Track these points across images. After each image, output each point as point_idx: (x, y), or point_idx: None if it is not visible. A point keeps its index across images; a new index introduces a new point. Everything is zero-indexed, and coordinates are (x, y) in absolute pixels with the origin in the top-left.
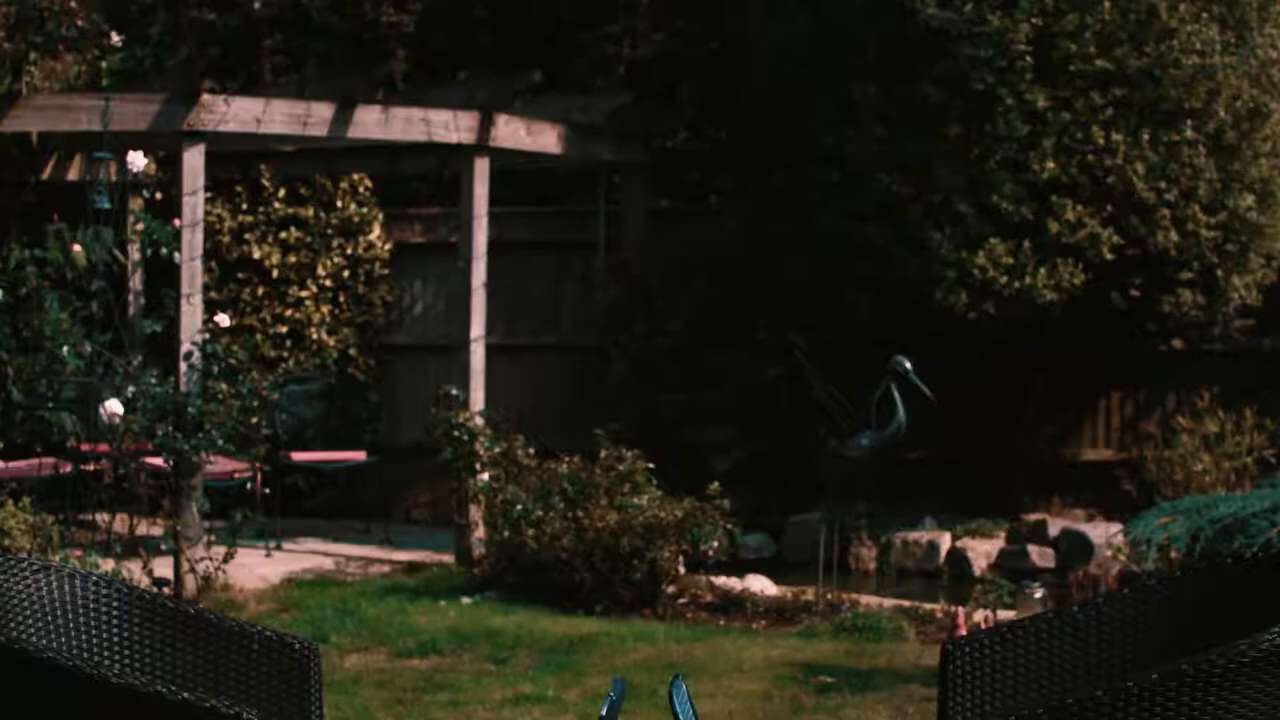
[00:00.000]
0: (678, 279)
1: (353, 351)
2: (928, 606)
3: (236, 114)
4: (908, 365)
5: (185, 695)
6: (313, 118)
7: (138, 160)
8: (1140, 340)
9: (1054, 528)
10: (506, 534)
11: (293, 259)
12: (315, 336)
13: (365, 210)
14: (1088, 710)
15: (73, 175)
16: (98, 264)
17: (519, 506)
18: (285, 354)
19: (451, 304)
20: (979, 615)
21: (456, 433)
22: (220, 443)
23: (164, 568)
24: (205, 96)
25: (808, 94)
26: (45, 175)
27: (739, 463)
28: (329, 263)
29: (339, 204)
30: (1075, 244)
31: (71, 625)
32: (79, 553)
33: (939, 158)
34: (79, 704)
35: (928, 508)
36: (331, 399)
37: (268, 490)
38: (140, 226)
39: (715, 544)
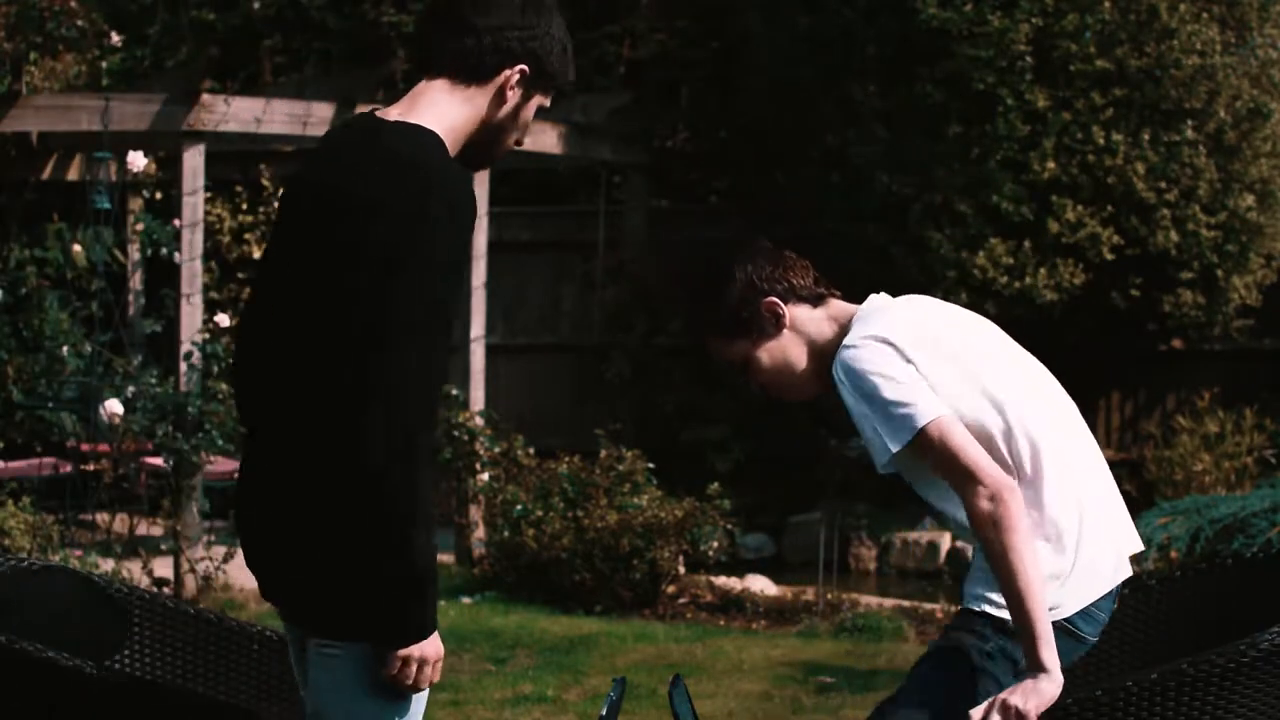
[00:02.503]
0: None
1: None
2: (928, 606)
3: (236, 114)
4: None
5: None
6: (313, 118)
7: (138, 160)
8: (1140, 340)
9: None
10: (506, 534)
11: None
12: None
13: None
14: (1087, 710)
15: (73, 175)
16: (98, 264)
17: (519, 506)
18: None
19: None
20: None
21: (456, 433)
22: (220, 443)
23: (164, 568)
24: (205, 96)
25: (808, 94)
26: (45, 175)
27: (739, 463)
28: None
29: None
30: (1075, 244)
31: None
32: (79, 553)
33: (939, 158)
34: (79, 704)
35: (928, 508)
36: None
37: None
38: (140, 226)
39: (715, 544)
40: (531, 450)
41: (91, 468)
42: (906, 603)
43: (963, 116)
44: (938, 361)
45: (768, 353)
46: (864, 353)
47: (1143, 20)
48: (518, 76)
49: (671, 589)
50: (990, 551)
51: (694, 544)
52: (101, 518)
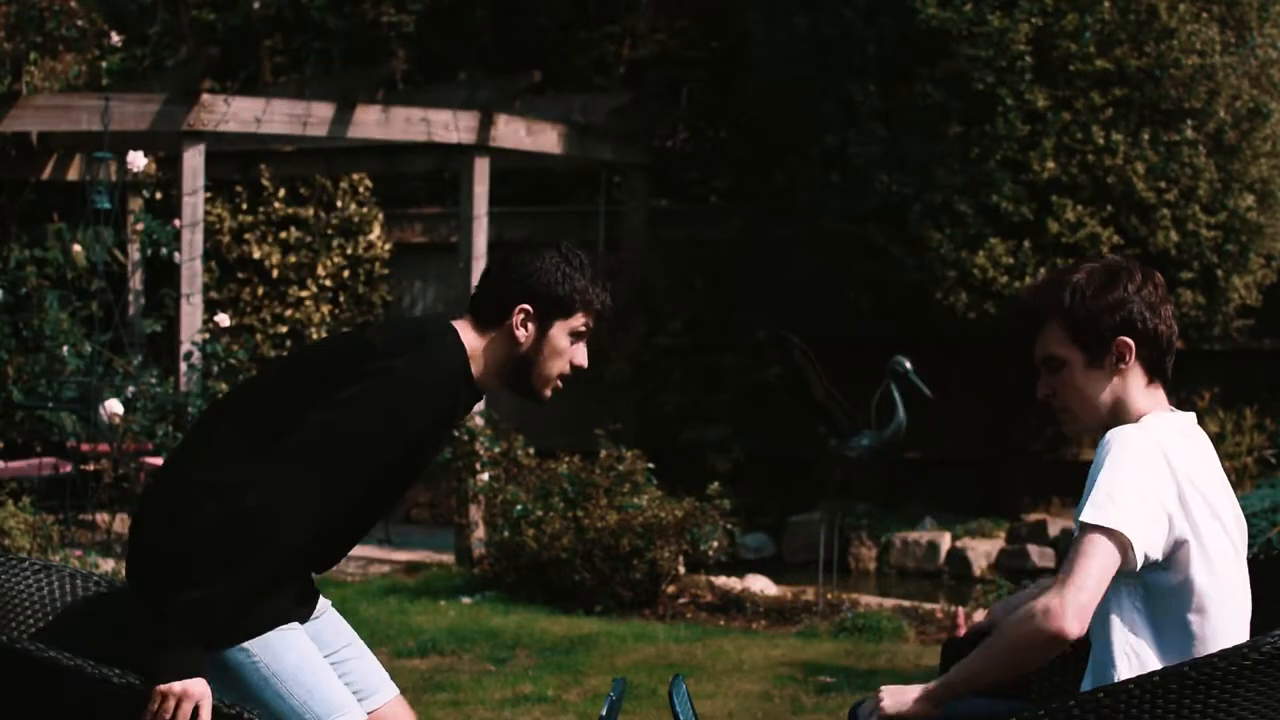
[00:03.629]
0: (678, 279)
1: None
2: (928, 606)
3: (236, 114)
4: (907, 365)
5: None
6: (313, 118)
7: (138, 160)
8: None
9: (1054, 528)
10: (506, 534)
11: (293, 259)
12: (315, 336)
13: (365, 210)
14: (1088, 711)
15: (73, 175)
16: (98, 264)
17: (519, 506)
18: (285, 354)
19: (451, 304)
20: (979, 615)
21: (456, 433)
22: None
23: None
24: (205, 96)
25: (808, 94)
26: (45, 175)
27: (739, 463)
28: (329, 263)
29: (339, 204)
30: (1075, 244)
31: (72, 625)
32: (79, 553)
33: (939, 158)
34: (79, 704)
35: (928, 508)
36: None
37: None
38: (140, 226)
39: (715, 544)
40: (531, 450)
41: (91, 468)
42: (906, 603)
43: (963, 116)
44: (1189, 504)
45: (1086, 378)
46: (1140, 442)
47: (1142, 20)
48: (522, 316)
49: (671, 589)
50: (1004, 634)
51: (694, 544)
52: (101, 518)
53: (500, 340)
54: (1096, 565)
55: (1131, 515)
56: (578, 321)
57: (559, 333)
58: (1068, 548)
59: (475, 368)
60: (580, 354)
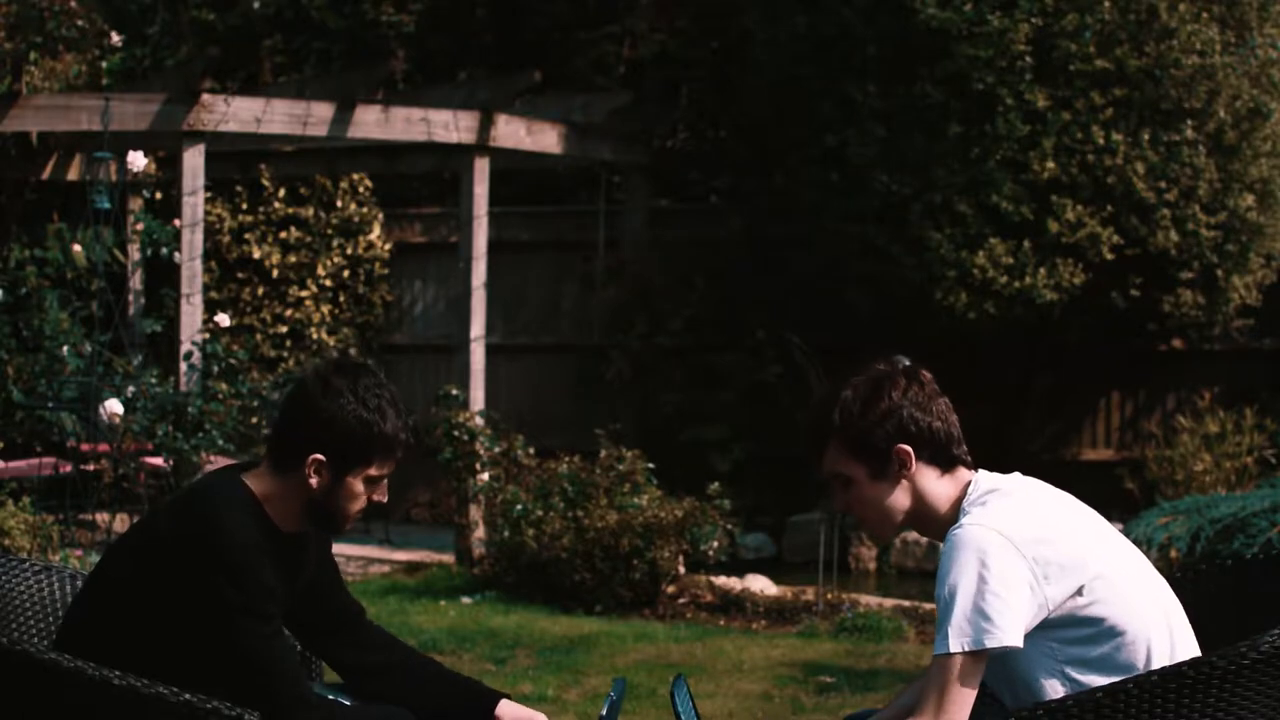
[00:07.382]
0: (678, 279)
1: (353, 351)
2: (928, 606)
3: (236, 114)
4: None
5: (188, 696)
6: (313, 118)
7: (138, 160)
8: (1140, 340)
9: None
10: (506, 534)
11: (293, 259)
12: (315, 336)
13: (365, 210)
14: (1087, 710)
15: (73, 175)
16: (98, 264)
17: (519, 506)
18: (285, 354)
19: (451, 304)
20: None
21: (456, 433)
22: (220, 443)
23: None
24: (205, 96)
25: (808, 94)
26: (45, 175)
27: (739, 463)
28: (329, 263)
29: (339, 204)
30: (1075, 244)
31: None
32: (79, 553)
33: (939, 158)
34: (81, 705)
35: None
36: None
37: None
38: (140, 226)
39: (715, 544)
40: (531, 450)
41: (91, 468)
42: (906, 602)
43: (963, 116)
44: (1050, 568)
45: (875, 490)
46: (984, 542)
47: (1142, 20)
48: (315, 465)
49: (671, 589)
50: None
51: (694, 544)
52: (101, 518)
53: (294, 482)
54: (965, 693)
55: (1000, 625)
56: (377, 469)
57: (357, 481)
58: (930, 670)
59: (271, 508)
60: (379, 492)
